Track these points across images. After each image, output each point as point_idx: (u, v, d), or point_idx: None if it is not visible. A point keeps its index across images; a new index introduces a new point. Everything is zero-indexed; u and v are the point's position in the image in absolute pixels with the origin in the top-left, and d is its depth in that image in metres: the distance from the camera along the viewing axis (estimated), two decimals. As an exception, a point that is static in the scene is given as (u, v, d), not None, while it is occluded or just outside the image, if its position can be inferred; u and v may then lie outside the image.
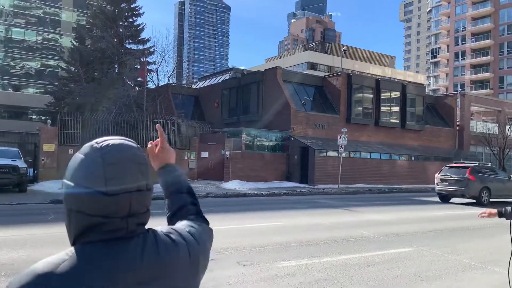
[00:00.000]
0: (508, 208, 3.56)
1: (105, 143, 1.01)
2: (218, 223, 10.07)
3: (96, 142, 1.02)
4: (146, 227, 1.06)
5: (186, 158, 23.26)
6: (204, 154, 24.14)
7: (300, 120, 26.33)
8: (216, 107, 32.41)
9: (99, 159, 0.97)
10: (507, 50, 63.73)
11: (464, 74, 68.83)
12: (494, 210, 3.82)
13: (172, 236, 1.07)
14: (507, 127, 31.53)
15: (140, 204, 1.00)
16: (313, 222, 10.92)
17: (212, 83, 35.99)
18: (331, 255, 7.12)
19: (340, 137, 22.70)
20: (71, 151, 18.73)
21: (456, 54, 70.54)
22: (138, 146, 1.07)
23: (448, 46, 74.02)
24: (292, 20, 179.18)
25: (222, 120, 31.24)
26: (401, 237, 9.16)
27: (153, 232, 1.05)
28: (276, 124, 26.31)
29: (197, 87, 38.47)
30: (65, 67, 36.04)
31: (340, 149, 22.93)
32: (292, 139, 25.62)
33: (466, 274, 6.33)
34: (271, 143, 26.08)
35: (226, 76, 35.92)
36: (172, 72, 31.29)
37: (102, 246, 0.95)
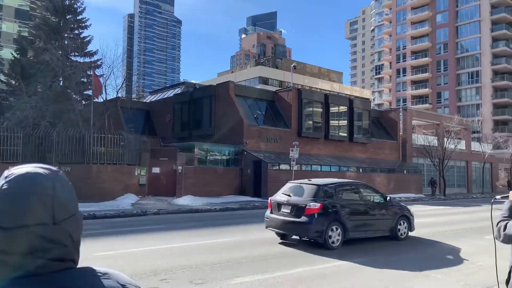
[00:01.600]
0: None
1: (9, 173, 0.95)
2: (169, 241, 9.85)
3: (7, 171, 0.96)
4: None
5: (136, 174, 22.60)
6: (156, 170, 23.59)
7: (252, 134, 26.55)
8: (167, 122, 31.91)
9: None
10: (444, 67, 68.49)
11: (406, 90, 72.96)
12: None
13: (106, 278, 0.95)
14: (445, 139, 33.66)
15: (44, 239, 0.90)
16: (267, 236, 10.96)
17: (164, 97, 35.48)
18: (285, 269, 7.18)
19: (292, 150, 23.08)
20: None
21: (398, 71, 74.75)
22: (50, 174, 0.96)
23: (390, 63, 78.27)
24: (243, 36, 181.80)
25: (174, 134, 30.79)
26: (351, 247, 9.42)
27: (81, 270, 0.96)
28: (229, 138, 26.34)
29: (148, 101, 37.75)
30: (5, 80, 34.03)
31: (292, 162, 23.31)
32: (245, 153, 25.74)
33: (412, 282, 6.61)
34: (224, 158, 26.04)
35: (178, 90, 35.58)
36: (121, 85, 30.50)
37: (11, 284, 0.88)
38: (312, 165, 27.67)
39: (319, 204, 9.24)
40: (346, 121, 31.81)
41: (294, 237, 10.51)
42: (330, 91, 53.99)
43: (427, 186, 34.47)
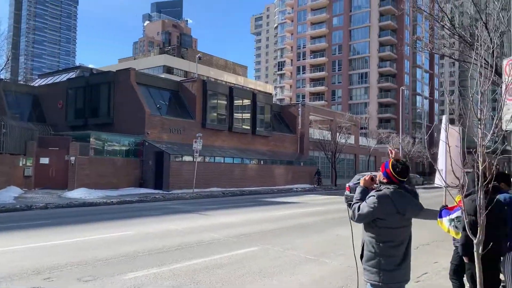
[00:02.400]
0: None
1: None
2: (57, 236, 9.13)
3: None
4: None
5: (21, 164, 20.41)
6: (44, 160, 21.57)
7: (155, 124, 25.74)
8: (60, 108, 29.32)
9: None
10: (338, 68, 73.93)
11: (305, 87, 77.23)
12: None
13: None
14: (338, 134, 36.46)
15: None
16: (166, 228, 10.77)
17: (56, 81, 32.46)
18: (182, 261, 7.13)
19: (195, 142, 22.96)
20: None
21: (298, 68, 78.73)
22: None
23: (292, 60, 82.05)
24: (147, 22, 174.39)
25: (67, 122, 28.48)
26: (249, 237, 9.73)
27: None
28: (130, 128, 25.18)
29: (37, 84, 34.24)
30: None
31: (195, 154, 23.18)
32: (147, 143, 24.86)
33: (303, 267, 7.07)
34: (123, 148, 24.81)
35: (72, 74, 32.84)
36: (4, 66, 27.17)
37: None
38: (216, 157, 27.85)
39: None
40: (249, 114, 32.60)
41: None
42: (235, 84, 54.71)
43: (313, 177, 36.19)
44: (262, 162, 31.72)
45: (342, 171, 42.18)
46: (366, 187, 3.46)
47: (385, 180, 3.33)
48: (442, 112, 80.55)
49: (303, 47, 78.00)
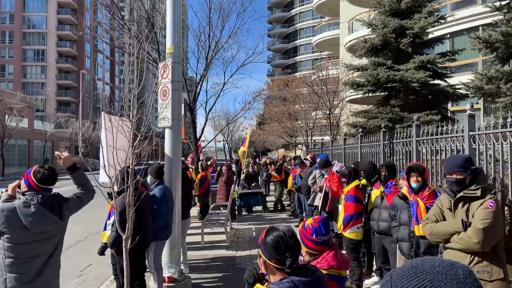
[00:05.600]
0: None
1: None
2: None
3: None
4: None
5: None
6: None
7: None
8: None
9: None
10: (9, 40, 63.84)
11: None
12: None
13: None
14: (7, 116, 31.77)
15: None
16: None
17: None
18: None
19: None
20: None
21: (-48, 32, 62.73)
22: None
23: None
24: None
25: None
26: None
27: None
28: None
29: None
30: None
31: None
32: None
33: None
34: None
35: None
36: None
37: None
38: None
39: None
40: None
41: None
42: None
43: None
44: None
45: (12, 159, 37.19)
46: (12, 196, 3.08)
47: (26, 189, 3.01)
48: (122, 99, 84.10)
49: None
